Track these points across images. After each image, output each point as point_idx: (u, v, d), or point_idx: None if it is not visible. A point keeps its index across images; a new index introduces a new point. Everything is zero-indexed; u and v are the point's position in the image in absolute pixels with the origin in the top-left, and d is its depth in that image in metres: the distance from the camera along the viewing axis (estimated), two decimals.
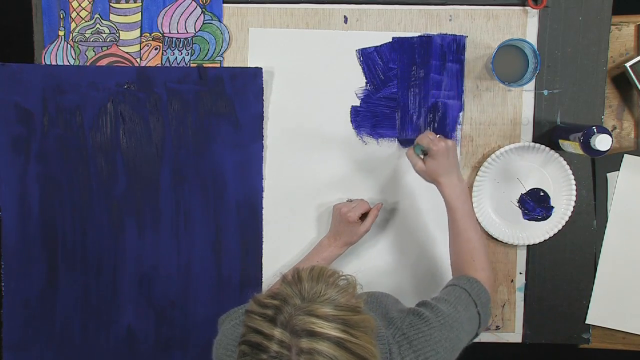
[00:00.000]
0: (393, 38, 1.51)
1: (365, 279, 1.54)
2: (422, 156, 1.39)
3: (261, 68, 1.50)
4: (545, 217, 1.54)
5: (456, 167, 1.38)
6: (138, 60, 1.52)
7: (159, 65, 1.52)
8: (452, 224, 1.38)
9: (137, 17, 1.52)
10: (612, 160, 1.54)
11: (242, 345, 0.99)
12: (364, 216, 1.48)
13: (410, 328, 1.17)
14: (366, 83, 1.52)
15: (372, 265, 1.55)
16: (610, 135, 1.35)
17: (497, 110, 1.53)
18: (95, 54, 1.52)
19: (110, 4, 1.51)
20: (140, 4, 1.51)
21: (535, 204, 1.53)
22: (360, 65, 1.51)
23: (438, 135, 1.39)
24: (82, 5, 1.51)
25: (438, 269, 1.55)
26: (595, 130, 1.37)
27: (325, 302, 0.98)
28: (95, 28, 1.52)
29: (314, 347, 0.94)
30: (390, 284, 1.55)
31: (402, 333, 1.16)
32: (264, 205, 1.54)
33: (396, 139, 1.52)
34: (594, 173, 1.54)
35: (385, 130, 1.52)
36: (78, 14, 1.51)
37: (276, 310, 0.97)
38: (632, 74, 1.49)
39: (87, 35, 1.52)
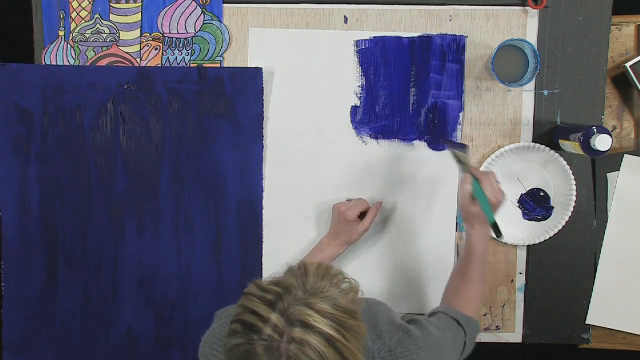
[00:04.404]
0: (393, 38, 1.51)
1: (364, 279, 1.55)
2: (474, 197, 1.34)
3: (261, 68, 1.50)
4: (545, 217, 1.54)
5: None
6: (138, 60, 1.52)
7: (159, 65, 1.52)
8: (463, 262, 1.37)
9: (137, 17, 1.52)
10: (612, 160, 1.54)
11: (235, 324, 0.99)
12: (363, 216, 1.48)
13: (398, 345, 1.16)
14: (366, 82, 1.52)
15: (371, 265, 1.55)
16: (610, 135, 1.35)
17: (497, 110, 1.53)
18: (95, 54, 1.52)
19: (110, 4, 1.51)
20: (140, 4, 1.51)
21: (535, 204, 1.53)
22: (360, 64, 1.51)
23: (499, 184, 1.36)
24: (82, 5, 1.51)
25: (437, 269, 1.55)
26: (595, 130, 1.37)
27: (326, 299, 0.99)
28: (95, 28, 1.52)
29: (305, 338, 0.95)
30: (389, 283, 1.55)
31: (389, 350, 1.15)
32: (264, 205, 1.54)
33: (398, 140, 1.52)
34: (594, 173, 1.54)
35: (385, 130, 1.52)
36: (78, 14, 1.51)
37: (277, 297, 0.98)
38: (632, 74, 1.49)
39: (87, 35, 1.52)
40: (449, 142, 1.48)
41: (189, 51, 1.52)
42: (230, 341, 0.99)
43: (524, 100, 1.52)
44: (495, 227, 1.31)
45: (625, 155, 1.54)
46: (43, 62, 1.52)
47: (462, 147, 1.41)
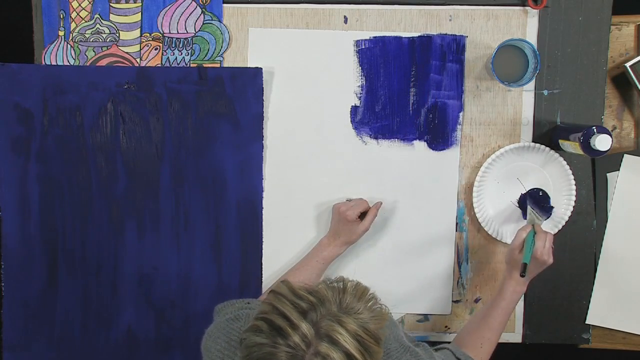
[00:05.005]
0: (393, 38, 1.51)
1: (364, 279, 1.55)
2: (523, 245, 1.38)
3: (261, 68, 1.51)
4: (545, 218, 1.53)
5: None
6: (138, 60, 1.52)
7: (159, 65, 1.52)
8: (489, 306, 1.39)
9: (137, 17, 1.52)
10: (612, 160, 1.54)
11: (260, 321, 1.00)
12: (363, 216, 1.48)
13: None
14: (366, 82, 1.52)
15: (371, 265, 1.55)
16: (610, 135, 1.35)
17: (497, 110, 1.53)
18: (95, 54, 1.52)
19: (110, 4, 1.51)
20: (140, 4, 1.51)
21: (535, 204, 1.53)
22: (360, 64, 1.51)
23: (553, 248, 1.38)
24: (82, 5, 1.51)
25: (437, 269, 1.55)
26: (595, 130, 1.37)
27: (358, 320, 1.00)
28: (95, 28, 1.52)
29: (330, 354, 0.96)
30: (388, 284, 1.55)
31: None
32: (264, 205, 1.54)
33: (398, 140, 1.53)
34: (594, 173, 1.54)
35: (385, 130, 1.52)
36: (78, 14, 1.51)
37: (310, 306, 0.99)
38: (632, 74, 1.49)
39: (87, 35, 1.52)
40: (537, 199, 1.50)
41: (189, 51, 1.52)
42: (253, 338, 0.99)
43: (524, 100, 1.52)
44: (524, 267, 1.33)
45: (625, 155, 1.54)
46: (43, 62, 1.52)
47: (548, 210, 1.49)
